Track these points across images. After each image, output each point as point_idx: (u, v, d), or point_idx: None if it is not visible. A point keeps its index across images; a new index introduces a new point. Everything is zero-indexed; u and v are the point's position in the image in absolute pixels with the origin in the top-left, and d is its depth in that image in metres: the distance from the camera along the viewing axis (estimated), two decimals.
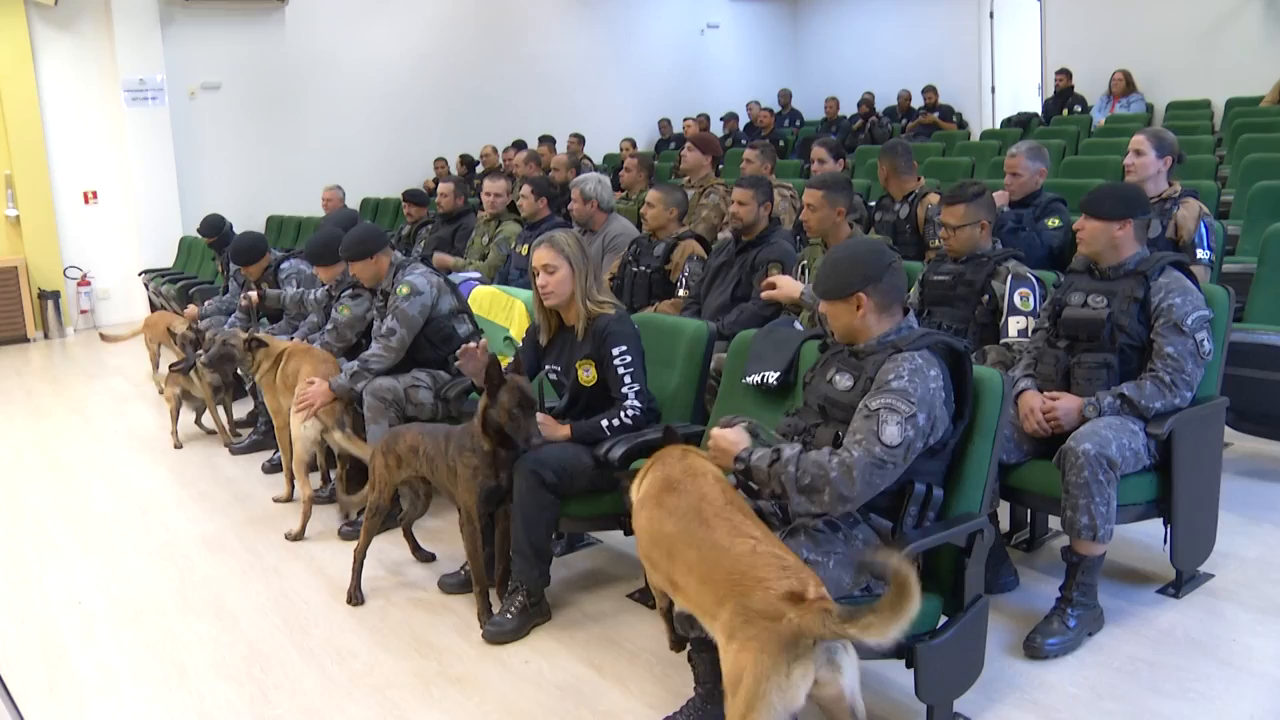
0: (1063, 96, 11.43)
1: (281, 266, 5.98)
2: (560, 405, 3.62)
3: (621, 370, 3.45)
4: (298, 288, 5.89)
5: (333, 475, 4.89)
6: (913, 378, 2.53)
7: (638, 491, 2.67)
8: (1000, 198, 4.60)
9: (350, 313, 4.92)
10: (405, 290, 4.43)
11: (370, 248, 4.54)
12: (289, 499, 4.88)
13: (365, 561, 3.83)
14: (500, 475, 3.38)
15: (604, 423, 3.43)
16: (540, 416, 3.47)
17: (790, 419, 2.81)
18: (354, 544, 4.19)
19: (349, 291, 4.98)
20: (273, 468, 5.22)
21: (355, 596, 3.78)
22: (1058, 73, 11.52)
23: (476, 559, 3.48)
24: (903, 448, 2.48)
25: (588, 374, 3.50)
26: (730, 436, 2.67)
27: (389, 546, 4.04)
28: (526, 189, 6.25)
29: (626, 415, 3.43)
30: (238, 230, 7.44)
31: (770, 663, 2.06)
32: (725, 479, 2.57)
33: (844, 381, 2.70)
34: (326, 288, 5.31)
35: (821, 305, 2.77)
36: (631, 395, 3.45)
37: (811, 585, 2.13)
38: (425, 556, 4.11)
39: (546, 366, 3.66)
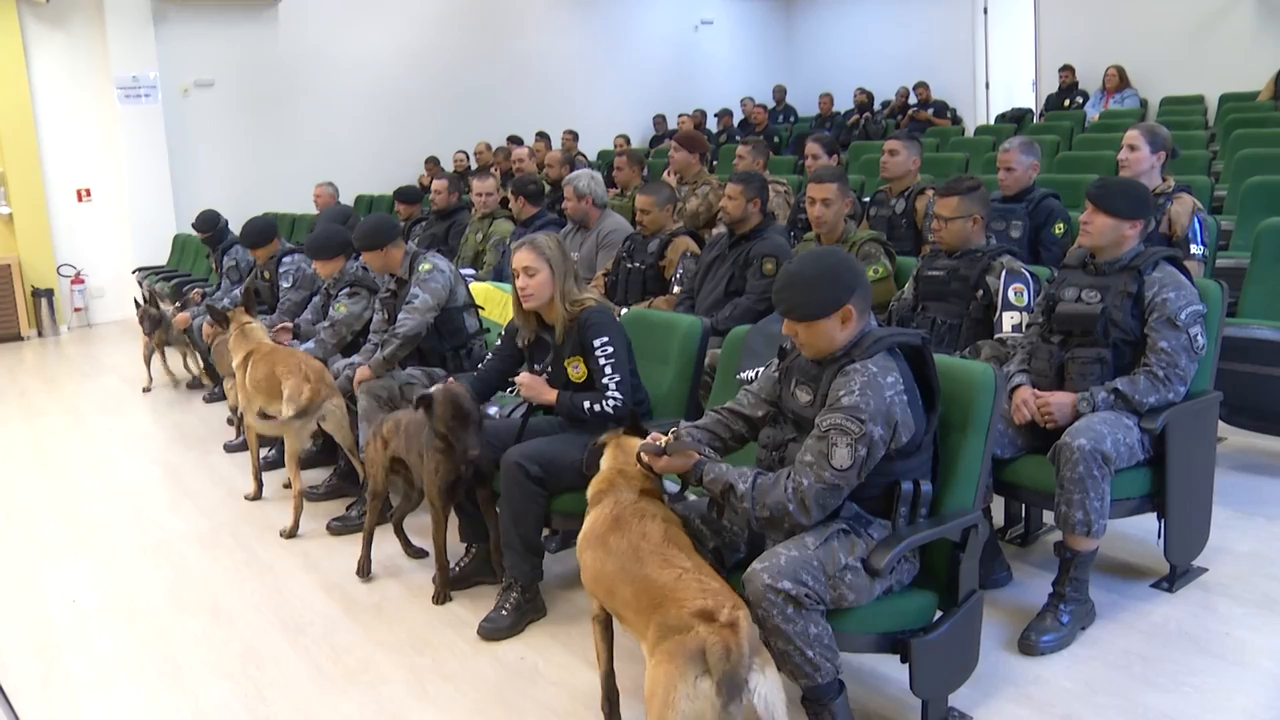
0: (1066, 92, 11.47)
1: (283, 260, 5.97)
2: (543, 368, 3.62)
3: (603, 360, 3.44)
4: (291, 284, 5.88)
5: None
6: (864, 391, 2.46)
7: (588, 520, 2.77)
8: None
9: (347, 310, 4.93)
10: (428, 267, 4.49)
11: (385, 238, 4.56)
12: (257, 497, 4.93)
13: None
14: (461, 468, 3.50)
15: (585, 403, 3.43)
16: (529, 377, 3.55)
17: (770, 430, 2.78)
18: (345, 539, 4.26)
19: (346, 290, 4.98)
20: (267, 465, 5.21)
21: (364, 568, 3.92)
22: (1061, 69, 11.55)
23: (438, 537, 3.64)
24: (854, 469, 2.45)
25: (577, 370, 3.50)
26: (677, 464, 2.70)
27: (381, 544, 4.02)
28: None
29: (608, 405, 3.42)
30: (232, 226, 7.48)
31: (678, 672, 2.14)
32: (675, 519, 2.65)
33: (804, 396, 2.65)
34: (324, 287, 5.29)
35: (791, 327, 2.63)
36: (612, 386, 3.43)
37: (726, 608, 2.21)
38: (416, 552, 4.12)
39: (536, 367, 3.65)
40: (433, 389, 3.48)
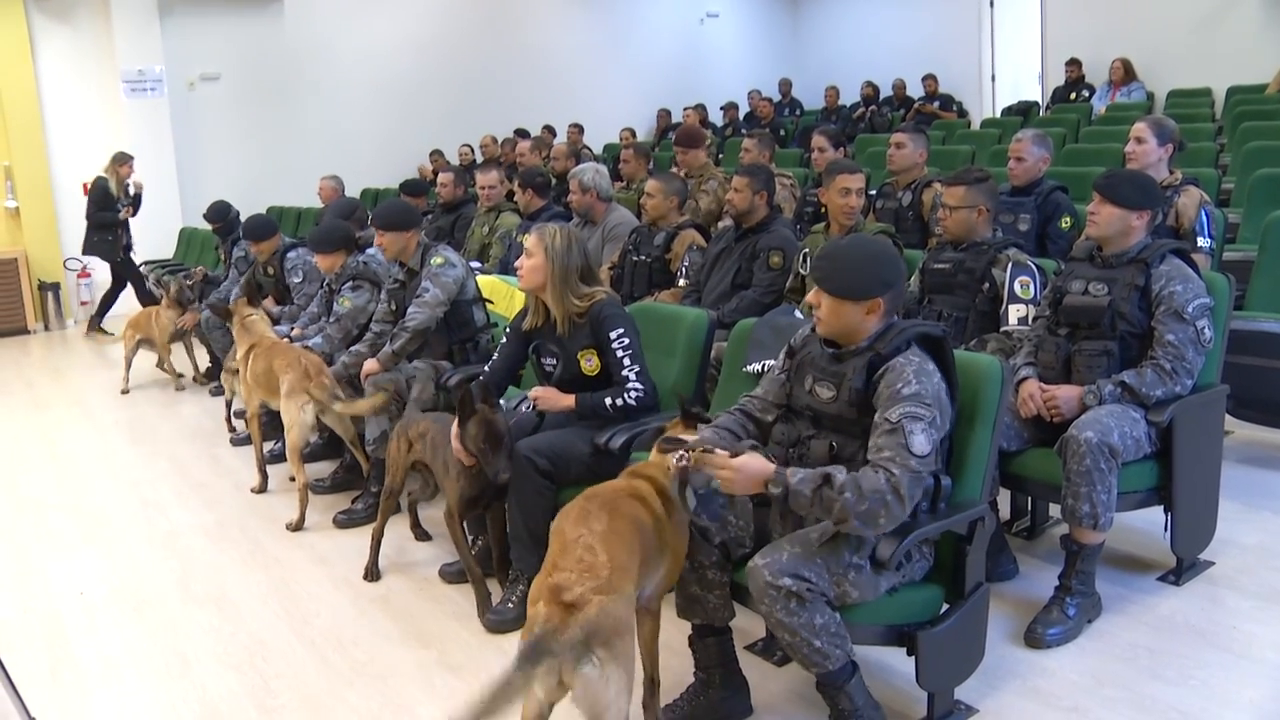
0: (1073, 85, 11.43)
1: (288, 255, 5.97)
2: (557, 375, 3.60)
3: (621, 353, 3.44)
4: (302, 279, 5.88)
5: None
6: (918, 379, 2.46)
7: None
8: None
9: (351, 304, 4.93)
10: (440, 260, 4.47)
11: (409, 221, 4.56)
12: (262, 489, 4.96)
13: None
14: (482, 488, 3.44)
15: (607, 400, 3.43)
16: (543, 390, 3.55)
17: (783, 428, 2.75)
18: (351, 531, 4.29)
19: (349, 283, 4.98)
20: (273, 458, 5.22)
21: (372, 573, 3.89)
22: (1068, 63, 11.51)
23: (462, 548, 3.57)
24: (932, 454, 2.43)
25: (590, 363, 3.50)
26: (754, 466, 2.42)
27: (387, 534, 4.02)
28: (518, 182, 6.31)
29: (630, 397, 3.42)
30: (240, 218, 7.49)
31: (520, 647, 2.12)
32: (651, 507, 2.51)
33: (825, 392, 2.62)
34: (326, 281, 5.30)
35: (817, 296, 2.62)
36: (633, 377, 3.44)
37: (576, 588, 2.12)
38: (422, 535, 4.20)
39: (542, 359, 3.66)
40: (478, 407, 3.33)
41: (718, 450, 2.46)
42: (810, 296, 2.66)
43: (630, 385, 3.43)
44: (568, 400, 3.50)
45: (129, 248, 9.65)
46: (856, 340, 2.59)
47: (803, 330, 2.82)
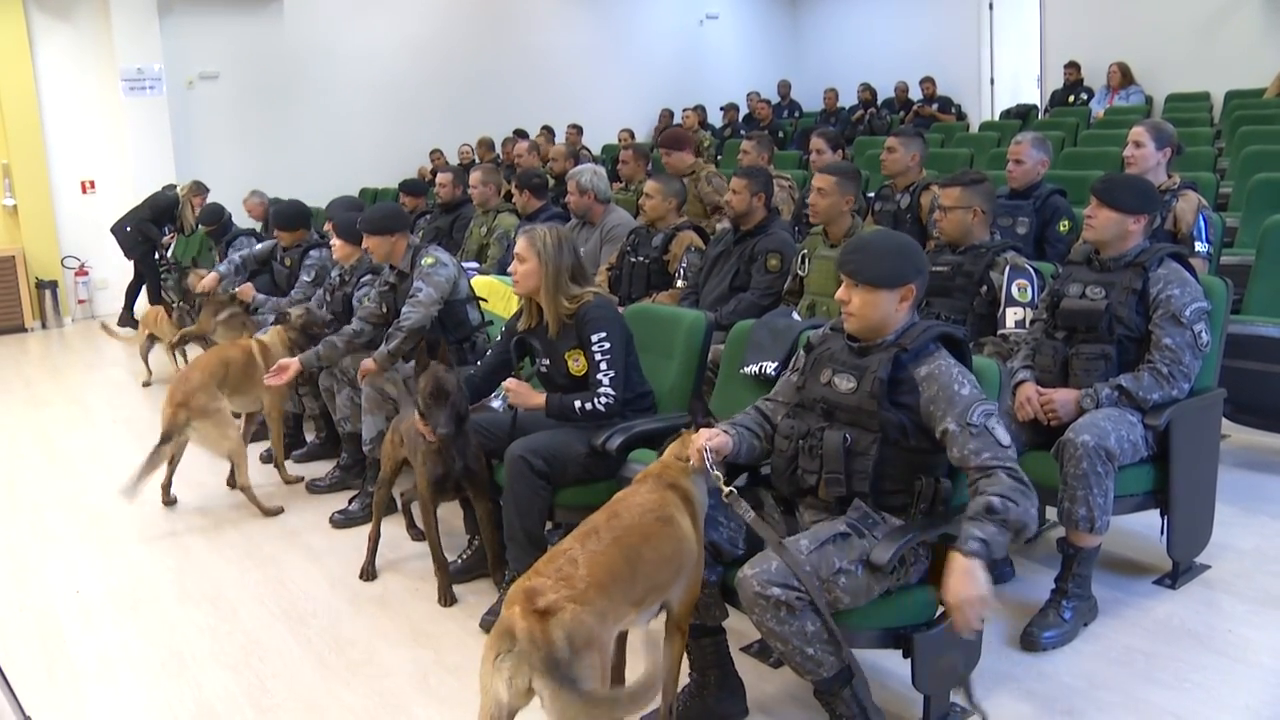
0: (1071, 88, 11.45)
1: (310, 252, 5.90)
2: (549, 375, 3.60)
3: (598, 356, 3.44)
4: (311, 279, 5.84)
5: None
6: (965, 377, 2.52)
7: None
8: None
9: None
10: (431, 260, 4.46)
11: (393, 225, 4.55)
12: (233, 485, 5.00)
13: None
14: (449, 464, 3.47)
15: (576, 403, 3.43)
16: (516, 383, 3.57)
17: (793, 422, 2.73)
18: (347, 531, 4.33)
19: (367, 279, 4.98)
20: (269, 458, 5.22)
21: (368, 573, 3.90)
22: (1067, 66, 11.51)
23: (430, 532, 3.64)
24: (1012, 442, 2.50)
25: (577, 364, 3.50)
26: (974, 577, 2.35)
27: (385, 535, 4.02)
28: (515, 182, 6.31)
29: (599, 402, 3.41)
30: (236, 219, 7.52)
31: (489, 647, 2.14)
32: (670, 520, 2.50)
33: (845, 383, 2.62)
34: (336, 274, 5.27)
35: (847, 292, 2.64)
36: (606, 382, 3.42)
37: (550, 594, 2.13)
38: (419, 535, 4.19)
39: (538, 362, 3.66)
40: (430, 362, 3.43)
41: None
42: (840, 293, 2.67)
43: (601, 390, 3.42)
44: (538, 399, 3.51)
45: (163, 255, 9.66)
46: (884, 334, 2.62)
47: (821, 330, 2.84)
